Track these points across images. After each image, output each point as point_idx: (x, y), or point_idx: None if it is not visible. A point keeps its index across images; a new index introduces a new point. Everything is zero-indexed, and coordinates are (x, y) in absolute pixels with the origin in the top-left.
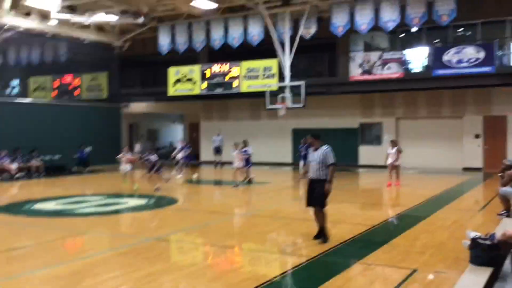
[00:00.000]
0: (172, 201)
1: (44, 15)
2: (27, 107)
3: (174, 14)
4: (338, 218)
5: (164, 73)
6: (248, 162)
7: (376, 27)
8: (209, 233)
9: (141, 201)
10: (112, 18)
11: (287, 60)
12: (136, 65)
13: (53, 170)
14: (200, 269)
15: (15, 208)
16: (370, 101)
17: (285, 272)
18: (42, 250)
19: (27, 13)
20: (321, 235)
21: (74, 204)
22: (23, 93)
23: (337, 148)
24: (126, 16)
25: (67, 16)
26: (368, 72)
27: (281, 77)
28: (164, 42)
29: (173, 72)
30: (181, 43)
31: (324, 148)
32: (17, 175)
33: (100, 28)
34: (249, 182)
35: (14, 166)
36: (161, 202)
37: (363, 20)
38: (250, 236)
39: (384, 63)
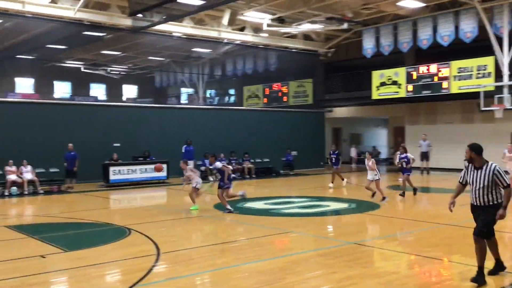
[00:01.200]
0: (374, 207)
1: (256, 29)
2: (241, 114)
3: (378, 17)
4: None
5: (368, 77)
6: (407, 170)
7: None
8: (412, 242)
9: (343, 205)
10: (318, 27)
11: (506, 57)
12: (339, 70)
13: (263, 172)
14: (401, 278)
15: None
16: None
17: None
18: (251, 245)
19: (242, 28)
20: (498, 266)
21: (281, 204)
22: (238, 101)
23: None
24: (331, 23)
25: (277, 27)
26: None
27: (498, 76)
28: (368, 45)
29: (377, 76)
30: (386, 45)
31: (492, 165)
32: (231, 176)
33: (306, 36)
34: (403, 193)
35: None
36: (363, 207)
37: None
38: (458, 248)
39: None
